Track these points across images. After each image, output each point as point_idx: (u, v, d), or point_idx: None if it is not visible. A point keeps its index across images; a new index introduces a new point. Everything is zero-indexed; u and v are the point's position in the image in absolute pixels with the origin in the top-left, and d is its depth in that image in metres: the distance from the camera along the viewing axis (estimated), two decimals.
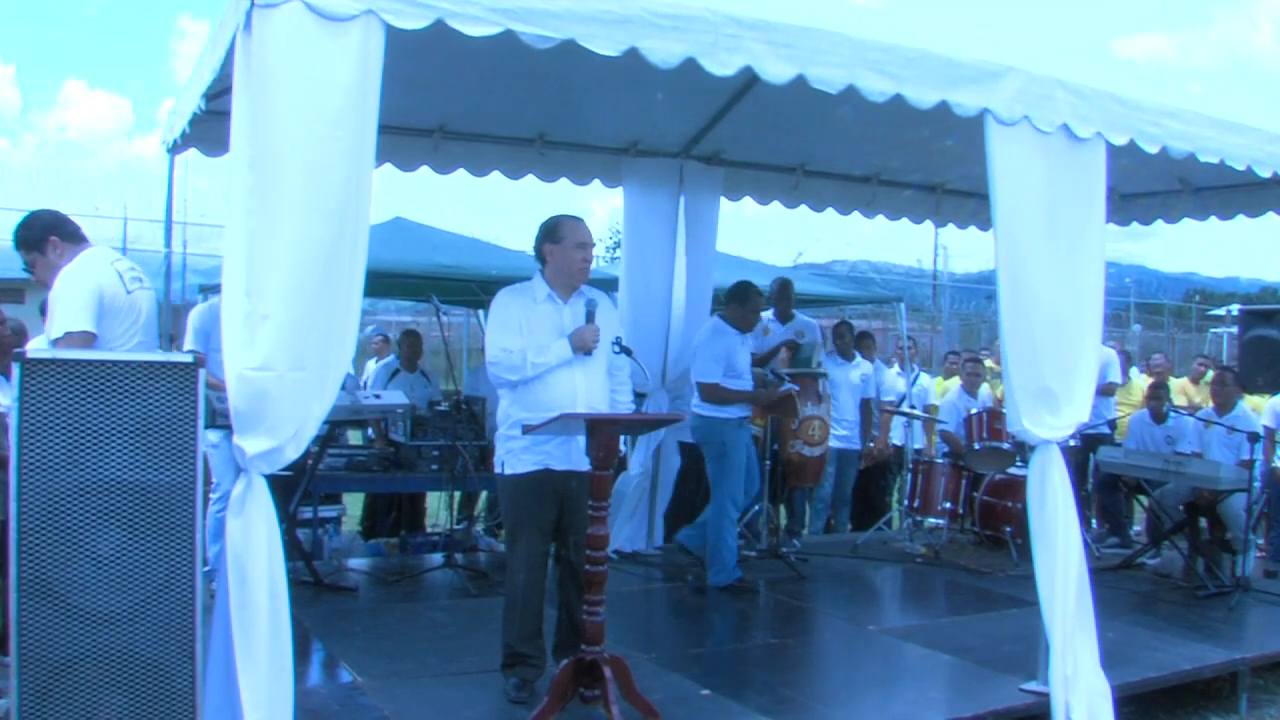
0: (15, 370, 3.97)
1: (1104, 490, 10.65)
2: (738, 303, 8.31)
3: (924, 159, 9.23)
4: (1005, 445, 9.87)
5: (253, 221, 4.18)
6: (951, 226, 10.91)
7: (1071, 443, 6.37)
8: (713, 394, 8.14)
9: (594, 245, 5.74)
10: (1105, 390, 11.53)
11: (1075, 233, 5.75)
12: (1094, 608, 5.78)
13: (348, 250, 4.33)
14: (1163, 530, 9.56)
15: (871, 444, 10.96)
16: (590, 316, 5.64)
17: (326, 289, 4.28)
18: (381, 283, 11.43)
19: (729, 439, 8.20)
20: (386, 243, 10.77)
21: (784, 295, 10.18)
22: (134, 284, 5.43)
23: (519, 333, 5.58)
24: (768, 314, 10.20)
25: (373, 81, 4.29)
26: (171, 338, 8.38)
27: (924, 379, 13.56)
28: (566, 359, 5.54)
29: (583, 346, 5.56)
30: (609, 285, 9.13)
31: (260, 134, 4.16)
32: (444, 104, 8.12)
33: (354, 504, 11.79)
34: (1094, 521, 10.92)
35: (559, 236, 5.71)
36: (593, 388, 5.65)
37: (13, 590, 3.94)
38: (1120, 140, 5.85)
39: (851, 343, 10.76)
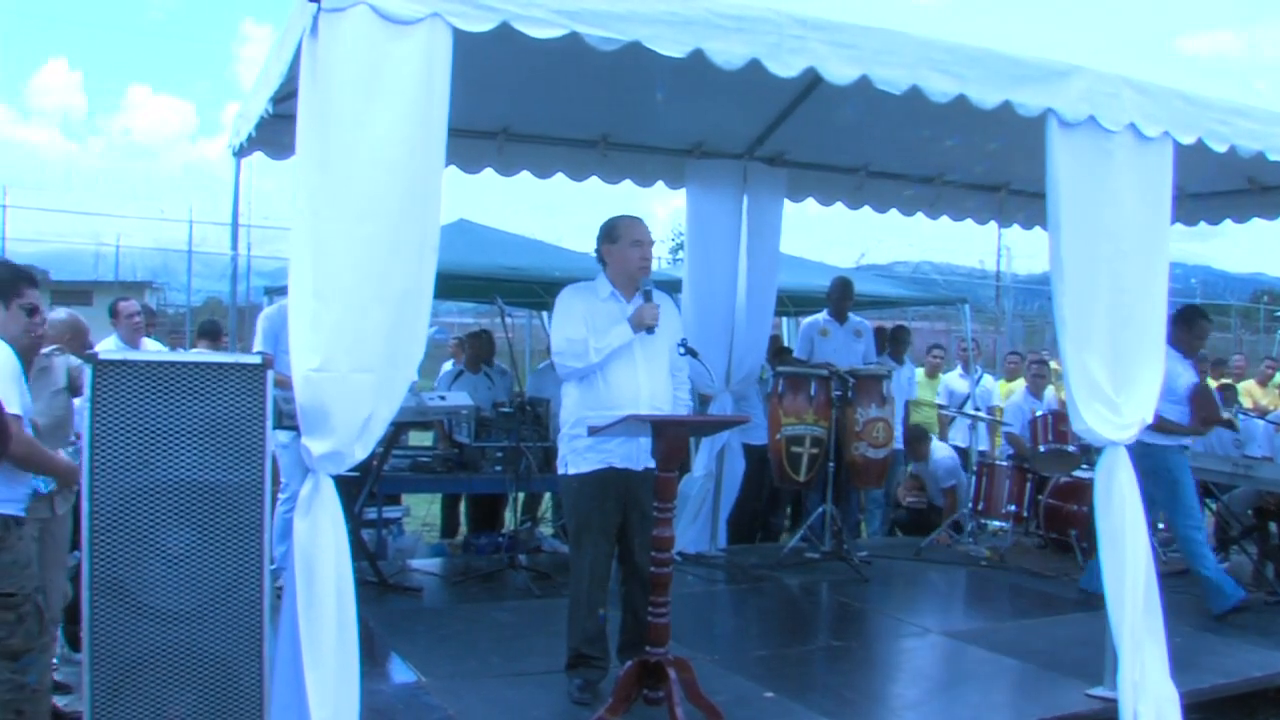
0: (88, 372, 4.01)
1: None
2: (1184, 326, 8.23)
3: (988, 160, 9.14)
4: (1070, 448, 9.76)
5: (320, 223, 4.21)
6: (1016, 227, 10.83)
7: None
8: (1160, 425, 8.02)
9: (652, 243, 5.76)
10: None
11: (1140, 233, 5.67)
12: (1162, 612, 5.70)
13: (415, 252, 4.35)
14: (1231, 535, 9.42)
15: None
16: (647, 297, 5.63)
17: (394, 291, 4.30)
18: (445, 284, 11.40)
19: (1174, 465, 8.00)
20: (450, 244, 10.71)
21: (844, 295, 10.11)
22: None
23: (583, 325, 5.58)
24: (823, 315, 10.16)
25: (440, 84, 4.30)
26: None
27: (987, 380, 13.45)
28: (627, 340, 5.53)
29: (641, 323, 5.54)
30: (672, 287, 9.10)
31: (327, 137, 4.18)
32: (508, 106, 8.14)
33: (418, 505, 11.86)
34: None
35: (615, 236, 5.73)
36: (656, 387, 5.64)
37: (85, 588, 3.99)
38: (1188, 139, 5.76)
39: (905, 347, 10.83)
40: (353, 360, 4.22)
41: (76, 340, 5.89)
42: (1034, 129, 5.47)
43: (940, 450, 11.48)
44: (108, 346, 8.17)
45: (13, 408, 4.50)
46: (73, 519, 5.00)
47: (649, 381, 5.59)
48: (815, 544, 9.27)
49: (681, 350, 5.76)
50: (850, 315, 10.12)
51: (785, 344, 11.93)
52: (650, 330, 5.56)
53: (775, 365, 9.81)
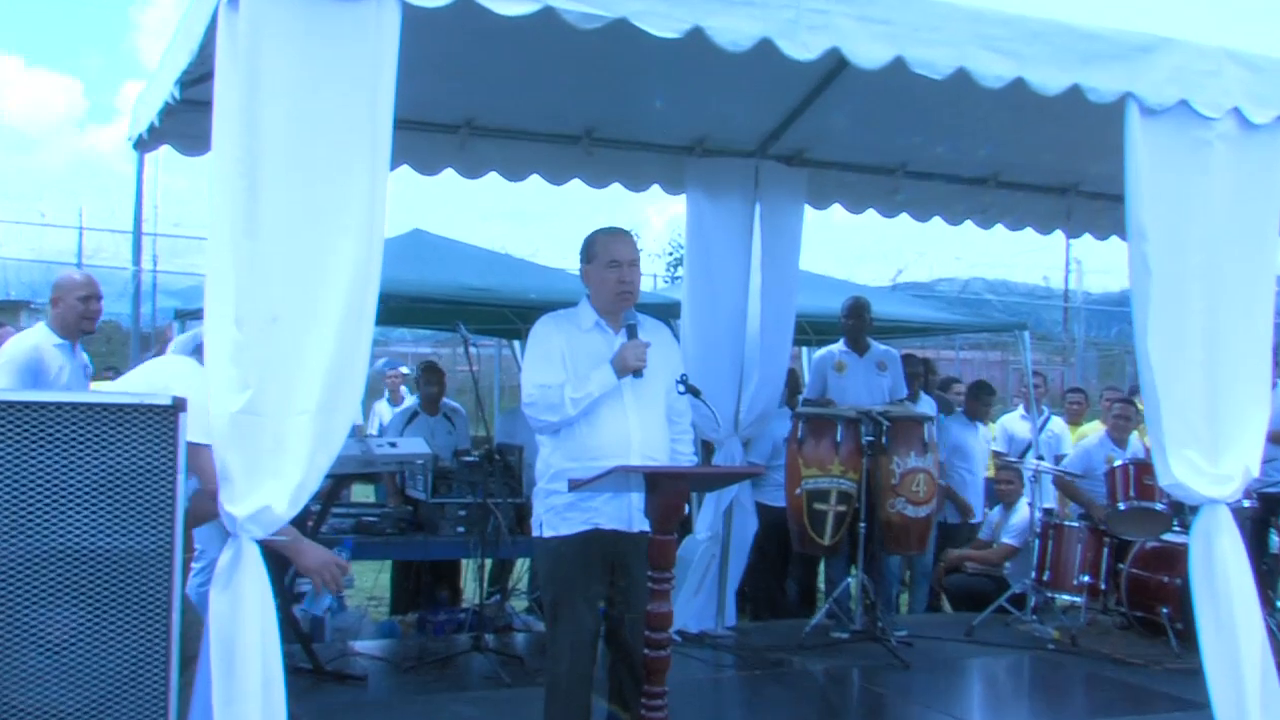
0: None
1: None
2: None
3: (1054, 157, 9.14)
4: (1158, 505, 9.68)
5: (242, 236, 4.19)
6: (1088, 237, 10.77)
7: (1245, 503, 6.23)
8: None
9: (634, 262, 5.72)
10: None
11: (1243, 243, 5.66)
12: None
13: (357, 270, 4.35)
14: None
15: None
16: (632, 333, 5.63)
17: (332, 317, 4.29)
18: (398, 307, 11.45)
19: None
20: (403, 259, 10.80)
21: (859, 320, 10.08)
22: None
23: (560, 366, 5.57)
24: (838, 345, 10.15)
25: (387, 69, 4.31)
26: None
27: (1055, 423, 13.42)
28: (611, 386, 5.52)
29: (625, 366, 5.53)
30: (670, 311, 9.09)
31: (251, 130, 4.18)
32: (472, 95, 8.12)
33: (364, 575, 11.82)
34: (1278, 603, 10.73)
35: (592, 254, 5.74)
36: (649, 434, 5.62)
37: None
38: None
39: (917, 381, 10.93)
40: (282, 400, 4.21)
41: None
42: (1111, 118, 5.47)
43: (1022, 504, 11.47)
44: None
45: None
46: None
47: (641, 427, 5.57)
48: (844, 621, 9.23)
49: (681, 389, 5.74)
50: (874, 344, 10.10)
51: (803, 379, 11.89)
52: (638, 374, 5.55)
53: (790, 406, 9.78)
